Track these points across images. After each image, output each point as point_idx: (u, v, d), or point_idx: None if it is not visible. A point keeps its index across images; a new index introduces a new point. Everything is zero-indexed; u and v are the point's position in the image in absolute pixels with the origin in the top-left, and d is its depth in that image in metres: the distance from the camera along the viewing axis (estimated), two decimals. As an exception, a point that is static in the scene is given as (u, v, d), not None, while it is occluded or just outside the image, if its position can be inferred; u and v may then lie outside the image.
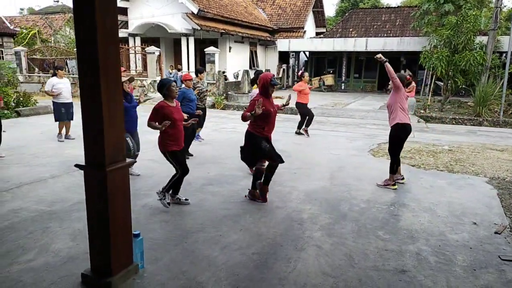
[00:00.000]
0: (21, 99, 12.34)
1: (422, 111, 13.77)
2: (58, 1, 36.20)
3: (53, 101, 8.43)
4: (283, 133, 9.41)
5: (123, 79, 5.96)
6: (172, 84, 4.58)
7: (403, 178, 5.81)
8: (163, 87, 4.55)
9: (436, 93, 17.07)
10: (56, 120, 8.44)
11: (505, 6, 27.62)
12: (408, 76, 5.92)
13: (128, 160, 3.12)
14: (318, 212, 4.67)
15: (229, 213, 4.56)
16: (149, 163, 6.44)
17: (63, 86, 8.39)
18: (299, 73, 9.89)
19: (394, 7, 27.30)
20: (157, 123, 4.39)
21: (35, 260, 3.39)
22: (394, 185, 5.54)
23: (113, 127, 2.90)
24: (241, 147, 5.08)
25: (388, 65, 5.31)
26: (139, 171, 5.94)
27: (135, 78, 16.95)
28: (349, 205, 4.90)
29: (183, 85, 7.17)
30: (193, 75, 8.56)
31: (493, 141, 9.41)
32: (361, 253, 3.66)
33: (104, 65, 2.76)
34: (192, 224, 4.21)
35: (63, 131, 8.48)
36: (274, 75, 4.80)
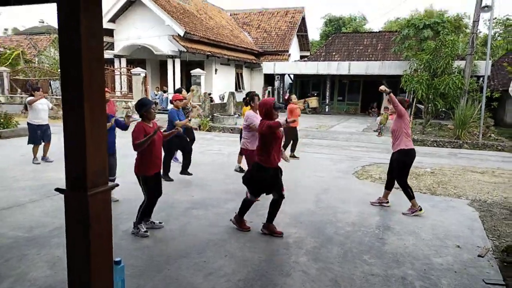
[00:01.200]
0: (1, 120, 12.09)
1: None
2: (43, 22, 36.12)
3: (28, 123, 8.12)
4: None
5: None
6: (152, 106, 4.52)
7: (387, 202, 5.84)
8: (143, 107, 4.45)
9: (418, 116, 17.48)
10: (29, 143, 8.09)
11: (480, 32, 28.85)
12: (406, 99, 5.96)
13: (110, 183, 3.06)
14: (304, 235, 4.63)
15: (214, 238, 4.49)
16: (131, 186, 6.29)
17: (41, 107, 8.15)
18: (286, 97, 9.87)
19: (376, 32, 28.14)
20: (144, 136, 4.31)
21: (10, 289, 3.25)
22: (420, 210, 5.44)
23: (96, 150, 2.85)
24: (245, 178, 4.72)
25: (392, 95, 5.35)
26: (121, 195, 5.82)
27: (120, 100, 16.89)
28: (334, 228, 4.89)
29: (171, 106, 7.04)
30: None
31: (474, 163, 9.62)
32: (348, 278, 3.63)
33: (89, 88, 2.73)
34: (175, 250, 4.12)
35: (39, 153, 8.20)
36: (275, 99, 4.64)
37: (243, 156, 7.90)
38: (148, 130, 4.39)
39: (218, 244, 4.31)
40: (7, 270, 3.57)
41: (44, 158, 8.28)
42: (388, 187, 5.82)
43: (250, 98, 6.23)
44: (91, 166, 2.81)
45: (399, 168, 5.53)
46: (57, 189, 2.93)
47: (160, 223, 4.77)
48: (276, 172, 4.48)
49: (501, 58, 21.91)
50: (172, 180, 6.86)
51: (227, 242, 4.35)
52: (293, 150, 9.36)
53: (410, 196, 5.48)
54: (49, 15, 50.84)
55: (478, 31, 15.32)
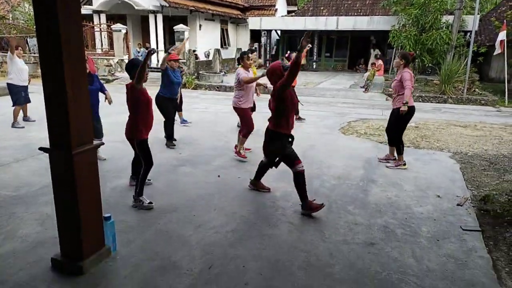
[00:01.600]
0: (-22, 80, 11.66)
1: (390, 89, 14.07)
2: (14, -25, 33.90)
3: (11, 84, 7.65)
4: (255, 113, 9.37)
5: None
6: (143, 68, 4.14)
7: (395, 159, 5.77)
8: (134, 67, 4.03)
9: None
10: (14, 105, 7.67)
11: (470, -14, 28.25)
12: (411, 53, 5.76)
13: (95, 141, 3.03)
14: (291, 189, 4.71)
15: (202, 193, 4.55)
16: (118, 145, 6.27)
17: (24, 67, 7.73)
18: (287, 55, 9.07)
19: (365, -14, 27.33)
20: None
21: (1, 246, 3.29)
22: (404, 165, 5.58)
23: (78, 107, 2.79)
24: (267, 152, 4.30)
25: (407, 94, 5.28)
26: (108, 153, 5.79)
27: (102, 57, 16.35)
28: (320, 182, 5.00)
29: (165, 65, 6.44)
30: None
31: (457, 117, 9.79)
32: (332, 227, 3.77)
33: (66, 41, 2.63)
34: (165, 205, 4.18)
35: (20, 114, 7.84)
36: (281, 62, 4.22)
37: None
38: (144, 94, 4.02)
39: (207, 199, 4.39)
40: (-3, 228, 3.59)
41: (25, 118, 8.06)
42: (391, 143, 5.78)
43: (240, 57, 6.09)
44: (74, 124, 2.77)
45: (397, 123, 5.52)
46: (41, 148, 2.90)
47: (148, 180, 4.61)
48: (292, 139, 4.19)
49: (489, 12, 21.66)
50: (174, 145, 6.54)
51: (215, 197, 4.43)
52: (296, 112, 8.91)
53: (400, 152, 5.59)
54: (20, -33, 47.72)
55: (467, -16, 15.01)
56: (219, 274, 2.98)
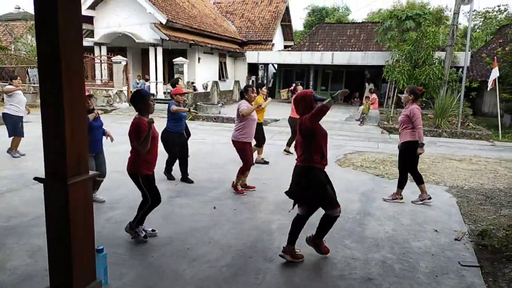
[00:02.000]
0: (-24, 109, 11.70)
1: (385, 122, 14.27)
2: (19, 8, 34.83)
3: (8, 114, 7.39)
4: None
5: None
6: (151, 98, 4.01)
7: (429, 198, 5.54)
8: (141, 99, 3.86)
9: (399, 105, 17.75)
10: (12, 135, 7.44)
11: (460, 24, 29.36)
12: (419, 88, 5.72)
13: (91, 172, 3.02)
14: (288, 222, 4.65)
15: (197, 225, 4.49)
16: (114, 175, 6.24)
17: (22, 98, 7.57)
18: (292, 87, 9.19)
19: (359, 23, 28.31)
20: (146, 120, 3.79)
21: (-11, 279, 3.19)
22: (401, 198, 5.55)
23: (75, 138, 2.80)
24: (292, 193, 3.74)
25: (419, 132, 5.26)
26: (103, 184, 5.73)
27: (101, 88, 16.56)
28: (317, 215, 4.94)
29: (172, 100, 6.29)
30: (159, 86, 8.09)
31: (452, 151, 9.86)
32: (329, 262, 3.70)
33: (67, 76, 2.68)
34: (158, 238, 4.11)
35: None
36: (313, 91, 3.91)
37: (260, 147, 7.61)
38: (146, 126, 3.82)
39: (202, 231, 4.32)
40: (-14, 260, 3.50)
41: (10, 151, 7.55)
42: (417, 181, 5.57)
43: (244, 90, 5.84)
44: (70, 154, 2.77)
45: (403, 157, 5.48)
46: (36, 178, 2.88)
47: (153, 230, 4.20)
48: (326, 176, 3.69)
49: (480, 49, 22.40)
50: (174, 179, 6.37)
51: (210, 229, 4.36)
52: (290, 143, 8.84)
53: (401, 185, 5.55)
54: (25, 1, 49.20)
55: (458, 23, 15.59)
56: (213, 310, 2.89)
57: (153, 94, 5.38)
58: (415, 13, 18.33)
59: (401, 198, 5.57)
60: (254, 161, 6.45)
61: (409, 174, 5.57)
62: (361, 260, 3.75)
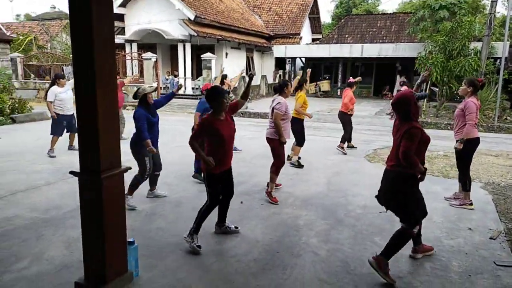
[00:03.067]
0: (16, 105, 12.30)
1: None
2: (54, 8, 36.25)
3: (55, 113, 7.49)
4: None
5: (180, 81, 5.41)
6: (226, 96, 3.81)
7: (471, 204, 5.08)
8: (217, 98, 3.69)
9: (432, 99, 17.18)
10: (52, 134, 7.54)
11: (498, 13, 27.92)
12: (479, 79, 5.13)
13: (123, 166, 3.11)
14: (315, 218, 4.66)
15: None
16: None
17: (66, 96, 7.53)
18: (348, 80, 8.96)
19: (390, 14, 27.52)
20: (201, 146, 3.68)
21: (28, 268, 3.37)
22: (471, 204, 5.02)
23: (108, 133, 2.90)
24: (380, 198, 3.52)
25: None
26: (131, 176, 5.90)
27: (132, 84, 16.93)
28: (345, 211, 4.90)
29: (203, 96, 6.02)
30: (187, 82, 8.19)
31: (488, 146, 9.45)
32: (358, 259, 3.66)
33: (100, 72, 2.77)
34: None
35: (58, 144, 7.61)
36: (411, 91, 3.64)
37: (298, 147, 7.06)
38: (217, 126, 3.68)
39: (229, 226, 4.36)
40: (25, 249, 3.69)
41: (70, 147, 7.94)
42: (460, 179, 5.21)
43: (283, 84, 5.49)
44: (103, 149, 2.87)
45: (462, 157, 5.00)
46: (72, 172, 3.01)
47: (236, 227, 4.20)
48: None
49: (520, 38, 21.23)
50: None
51: (238, 224, 4.39)
52: (349, 140, 8.70)
53: (466, 188, 5.06)
54: (60, 0, 50.98)
55: (496, 11, 14.81)
56: (241, 304, 2.93)
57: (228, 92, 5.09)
58: (450, 2, 17.60)
59: (471, 204, 5.01)
60: (287, 160, 6.31)
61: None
62: (391, 258, 3.67)
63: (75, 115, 7.70)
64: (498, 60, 15.76)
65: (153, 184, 5.25)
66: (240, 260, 3.59)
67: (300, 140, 7.08)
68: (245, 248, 3.82)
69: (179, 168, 6.61)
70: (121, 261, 3.12)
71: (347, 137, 8.48)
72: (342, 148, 8.27)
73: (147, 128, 4.66)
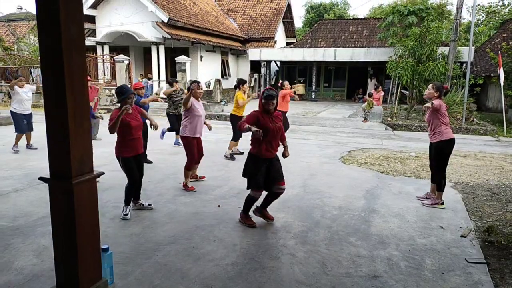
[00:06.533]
0: (-19, 109, 11.78)
1: (389, 119, 14.20)
2: (21, 8, 34.97)
3: (13, 112, 8.10)
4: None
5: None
6: (130, 95, 4.56)
7: (442, 203, 5.25)
8: (125, 94, 4.50)
9: (402, 102, 17.67)
10: (16, 131, 8.11)
11: (464, 19, 29.18)
12: (445, 86, 5.43)
13: (95, 171, 3.02)
14: (292, 220, 4.68)
15: (202, 224, 4.49)
16: (118, 174, 6.25)
17: (25, 97, 8.11)
18: (279, 83, 9.55)
19: (361, 19, 28.13)
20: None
21: (-4, 279, 3.20)
22: (442, 204, 5.19)
23: (79, 138, 2.80)
24: None
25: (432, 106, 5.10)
26: (107, 183, 5.76)
27: (104, 87, 16.53)
28: (321, 212, 4.95)
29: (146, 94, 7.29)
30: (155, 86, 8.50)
31: (456, 147, 9.70)
32: (334, 260, 3.69)
33: (70, 74, 2.67)
34: (163, 237, 4.11)
35: (21, 141, 8.14)
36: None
37: (233, 141, 7.96)
38: (124, 117, 4.51)
39: (207, 230, 4.32)
40: (-8, 260, 3.52)
41: (28, 146, 8.29)
42: (433, 179, 5.42)
43: (239, 83, 6.73)
44: (74, 154, 2.77)
45: (437, 158, 5.28)
46: (41, 178, 2.89)
47: (149, 205, 4.95)
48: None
49: (484, 44, 22.22)
50: (151, 162, 7.08)
51: (215, 228, 4.36)
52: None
53: (440, 188, 5.24)
54: (27, 1, 49.26)
55: (461, 17, 15.45)
56: (219, 309, 2.89)
57: (157, 93, 6.25)
58: (418, 8, 18.18)
59: (442, 204, 5.20)
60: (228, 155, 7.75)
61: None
62: (367, 258, 3.74)
63: (32, 114, 8.29)
64: (464, 64, 16.42)
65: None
66: (218, 264, 3.55)
67: (236, 136, 7.87)
68: (223, 252, 3.79)
69: (151, 173, 6.49)
70: (95, 268, 3.02)
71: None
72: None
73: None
